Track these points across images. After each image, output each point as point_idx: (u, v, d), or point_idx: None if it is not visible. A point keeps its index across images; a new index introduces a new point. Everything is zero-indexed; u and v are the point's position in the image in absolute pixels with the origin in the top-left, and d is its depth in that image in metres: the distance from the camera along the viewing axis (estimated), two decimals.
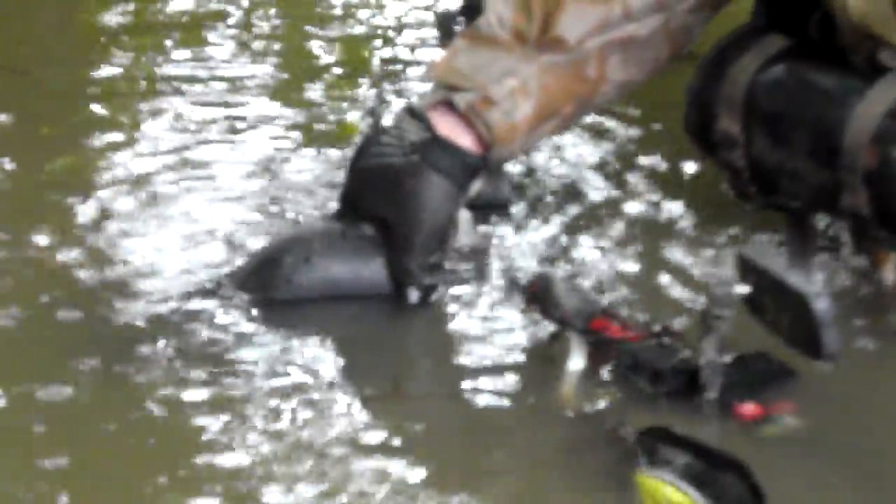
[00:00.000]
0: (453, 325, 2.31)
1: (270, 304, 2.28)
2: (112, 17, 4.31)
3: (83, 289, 2.45)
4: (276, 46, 4.05)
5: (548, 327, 2.19)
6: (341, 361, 2.23)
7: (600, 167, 2.91)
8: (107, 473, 2.00)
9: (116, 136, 3.41)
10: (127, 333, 2.29)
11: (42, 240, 2.70)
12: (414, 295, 2.24)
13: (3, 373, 2.20)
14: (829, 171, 2.10)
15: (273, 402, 2.16)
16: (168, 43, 4.40)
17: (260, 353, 2.22)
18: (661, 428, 1.88)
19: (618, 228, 2.62)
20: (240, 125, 3.36)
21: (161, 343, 2.26)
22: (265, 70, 3.81)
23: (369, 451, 2.03)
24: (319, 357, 2.23)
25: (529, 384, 2.15)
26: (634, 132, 3.09)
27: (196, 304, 2.34)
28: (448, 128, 2.25)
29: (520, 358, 2.22)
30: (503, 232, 2.49)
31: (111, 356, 2.21)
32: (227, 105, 3.60)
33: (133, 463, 2.01)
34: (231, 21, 4.54)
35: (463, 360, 2.24)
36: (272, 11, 4.66)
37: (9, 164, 3.15)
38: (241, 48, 4.22)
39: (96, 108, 3.63)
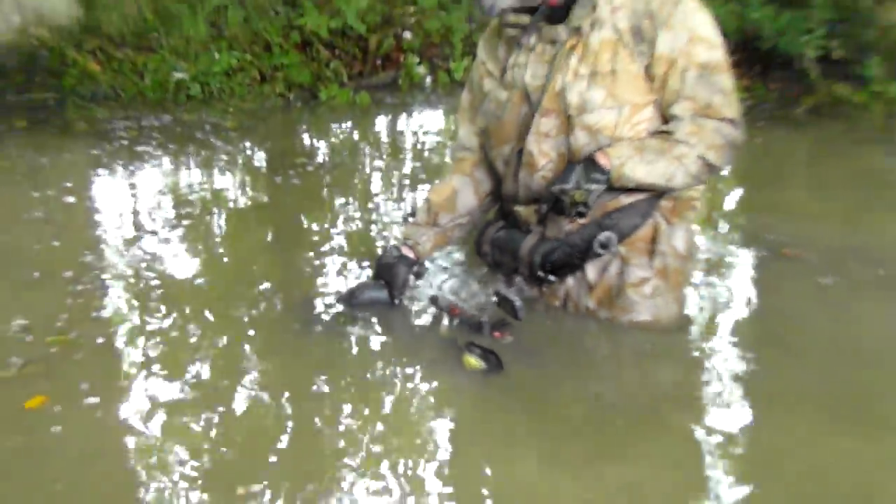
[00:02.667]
0: (409, 310, 2.33)
1: (353, 306, 2.31)
2: None
3: (288, 281, 2.43)
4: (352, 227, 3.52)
5: (436, 312, 2.29)
6: (374, 320, 2.26)
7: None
8: (292, 376, 2.06)
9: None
10: (306, 312, 2.32)
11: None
12: (395, 302, 2.29)
13: (252, 338, 2.25)
14: (515, 262, 2.23)
15: (357, 332, 2.21)
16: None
17: (355, 319, 2.26)
18: (472, 342, 2.05)
19: (467, 284, 2.52)
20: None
21: (324, 317, 2.30)
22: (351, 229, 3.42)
23: (397, 336, 2.15)
24: (371, 318, 2.24)
25: (433, 329, 2.23)
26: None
27: (338, 304, 2.36)
28: (406, 251, 2.32)
29: (428, 321, 2.28)
30: (422, 283, 2.43)
31: (296, 325, 2.28)
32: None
33: (310, 369, 2.07)
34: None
35: (412, 319, 2.31)
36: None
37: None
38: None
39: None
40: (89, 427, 1.79)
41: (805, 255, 2.80)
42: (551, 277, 2.22)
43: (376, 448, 1.73)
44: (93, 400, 1.87)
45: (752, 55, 5.49)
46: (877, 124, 4.78)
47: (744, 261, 2.81)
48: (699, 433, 1.82)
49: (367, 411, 1.87)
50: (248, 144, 4.14)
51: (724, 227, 3.16)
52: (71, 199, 3.24)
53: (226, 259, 2.83)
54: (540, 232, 2.22)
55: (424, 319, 2.31)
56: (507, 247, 2.27)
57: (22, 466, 1.65)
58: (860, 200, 3.62)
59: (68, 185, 3.40)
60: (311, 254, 2.84)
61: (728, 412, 1.91)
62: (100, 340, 2.17)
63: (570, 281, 2.28)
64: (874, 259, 2.77)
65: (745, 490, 1.62)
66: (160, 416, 1.85)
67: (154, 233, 2.96)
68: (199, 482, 1.60)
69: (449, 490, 1.60)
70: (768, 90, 5.37)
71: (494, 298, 2.21)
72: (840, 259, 2.77)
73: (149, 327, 2.27)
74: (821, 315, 2.41)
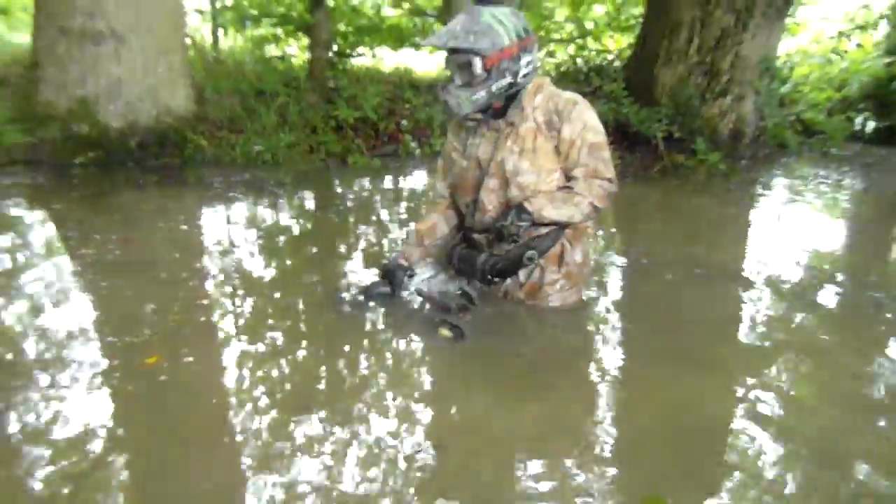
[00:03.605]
0: (404, 298, 2.23)
1: (368, 296, 2.21)
2: None
3: (326, 279, 2.36)
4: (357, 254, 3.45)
5: (421, 300, 2.22)
6: (381, 305, 2.18)
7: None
8: (328, 340, 2.02)
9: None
10: (337, 299, 2.24)
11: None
12: (395, 294, 2.20)
13: (295, 327, 2.17)
14: (473, 270, 2.15)
15: (370, 313, 2.15)
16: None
17: (369, 304, 2.19)
18: (444, 320, 2.02)
19: (441, 282, 2.48)
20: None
21: (349, 302, 2.23)
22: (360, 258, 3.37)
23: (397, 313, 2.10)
24: (379, 304, 2.19)
25: (419, 311, 2.18)
26: None
27: (358, 295, 2.28)
28: (402, 261, 2.25)
29: (415, 305, 2.20)
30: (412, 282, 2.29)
31: (330, 308, 2.21)
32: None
33: (340, 336, 2.05)
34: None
35: (406, 304, 2.21)
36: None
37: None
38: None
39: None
40: (187, 376, 1.76)
41: (653, 262, 2.81)
42: (496, 280, 2.20)
43: (382, 385, 1.72)
44: (189, 359, 1.84)
45: (623, 136, 5.53)
46: (701, 181, 4.84)
47: (617, 266, 2.80)
48: (593, 376, 1.83)
49: (375, 363, 1.85)
50: (301, 192, 4.08)
51: (605, 245, 3.15)
52: (185, 227, 3.19)
53: (286, 265, 2.77)
54: (489, 251, 2.20)
55: (413, 305, 2.26)
56: (468, 260, 2.22)
57: (142, 402, 1.63)
58: (690, 229, 3.67)
59: (183, 217, 3.35)
60: (342, 262, 2.80)
61: (612, 362, 1.92)
62: (201, 319, 2.14)
63: (508, 281, 2.26)
64: (695, 264, 2.81)
65: (622, 411, 1.65)
66: (238, 367, 1.82)
67: (239, 248, 2.90)
68: (267, 409, 1.59)
69: (429, 412, 1.61)
70: (633, 158, 5.39)
71: (459, 291, 2.18)
72: (676, 264, 2.79)
73: (234, 309, 2.24)
74: (665, 298, 2.43)
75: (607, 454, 1.47)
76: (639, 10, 7.68)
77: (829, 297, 2.49)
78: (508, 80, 2.00)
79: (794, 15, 5.99)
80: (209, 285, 2.44)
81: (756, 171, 5.21)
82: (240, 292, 2.38)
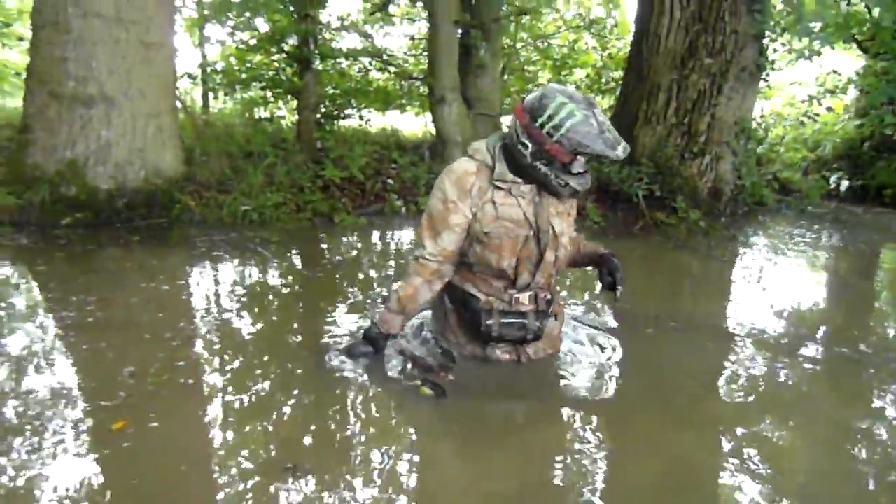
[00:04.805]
0: (389, 361, 2.24)
1: (350, 356, 2.22)
2: None
3: (311, 338, 2.35)
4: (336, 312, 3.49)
5: (403, 359, 2.24)
6: (364, 365, 2.18)
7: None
8: (313, 398, 2.02)
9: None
10: (320, 359, 2.23)
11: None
12: (378, 354, 2.22)
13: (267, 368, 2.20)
14: (524, 332, 2.19)
15: (354, 372, 2.15)
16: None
17: (353, 364, 2.19)
18: (426, 378, 2.06)
19: (423, 343, 2.43)
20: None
21: (332, 362, 2.22)
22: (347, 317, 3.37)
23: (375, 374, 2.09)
24: (362, 363, 2.18)
25: (401, 370, 2.17)
26: None
27: (337, 355, 2.27)
28: (383, 329, 2.20)
29: (398, 365, 2.20)
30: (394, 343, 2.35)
31: (313, 369, 2.21)
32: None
33: (324, 395, 2.04)
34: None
35: (388, 364, 2.21)
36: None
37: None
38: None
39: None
40: (158, 440, 1.74)
41: (636, 317, 2.84)
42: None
43: (365, 447, 1.73)
44: (156, 423, 1.81)
45: (605, 194, 5.66)
46: (682, 237, 4.94)
47: (600, 321, 2.81)
48: (578, 431, 1.83)
49: (361, 419, 1.86)
50: (287, 251, 4.09)
51: (589, 300, 3.17)
52: (167, 287, 3.15)
53: (270, 324, 2.75)
54: (531, 309, 2.19)
55: (396, 364, 2.25)
56: (516, 323, 2.17)
57: (114, 468, 1.61)
58: (670, 284, 3.75)
59: (166, 277, 3.33)
60: (327, 320, 2.78)
61: (596, 417, 1.92)
62: (180, 381, 2.11)
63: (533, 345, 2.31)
64: (673, 318, 2.89)
65: (609, 467, 1.64)
66: (218, 430, 1.79)
67: (222, 307, 2.89)
68: (248, 472, 1.57)
69: (412, 473, 1.61)
70: (616, 216, 5.50)
71: (439, 350, 2.22)
72: (658, 319, 2.86)
73: (215, 369, 2.22)
74: (648, 352, 2.48)
75: None
76: (618, 74, 7.98)
77: (810, 351, 2.54)
78: None
79: (767, 79, 6.22)
80: (190, 345, 2.42)
81: (735, 228, 5.35)
82: (222, 352, 2.37)
